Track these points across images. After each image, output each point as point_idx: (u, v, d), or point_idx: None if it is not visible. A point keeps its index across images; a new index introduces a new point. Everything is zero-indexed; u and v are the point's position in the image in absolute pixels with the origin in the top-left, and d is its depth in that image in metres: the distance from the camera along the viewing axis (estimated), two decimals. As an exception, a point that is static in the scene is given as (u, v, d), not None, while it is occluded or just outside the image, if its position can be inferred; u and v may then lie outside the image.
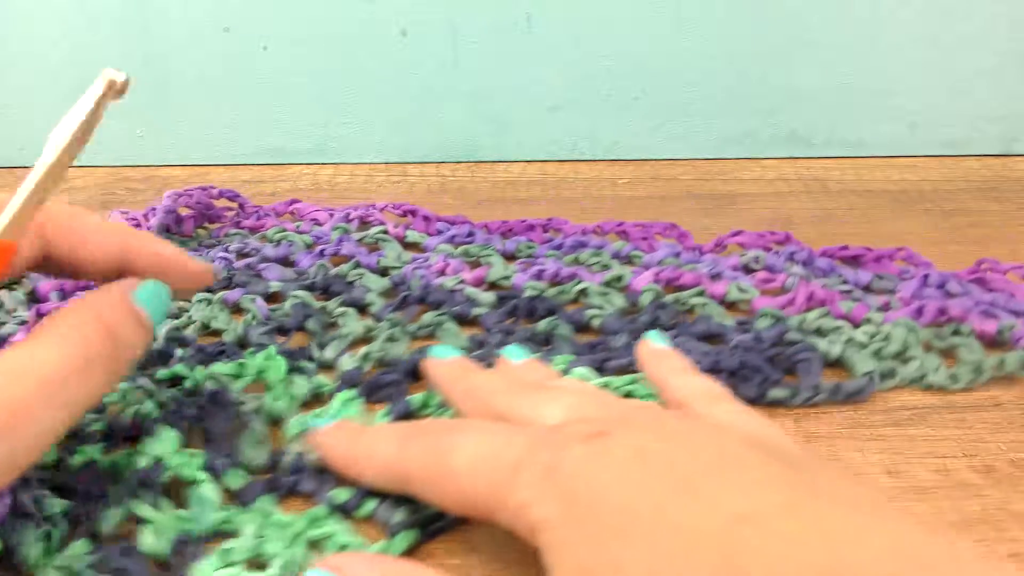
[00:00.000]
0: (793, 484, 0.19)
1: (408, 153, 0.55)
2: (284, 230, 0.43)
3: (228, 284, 0.38)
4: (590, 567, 0.19)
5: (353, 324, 0.35)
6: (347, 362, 0.32)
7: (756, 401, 0.31)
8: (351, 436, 0.26)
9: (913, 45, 0.54)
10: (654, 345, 0.29)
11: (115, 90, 0.22)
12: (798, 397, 0.31)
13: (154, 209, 0.42)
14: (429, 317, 0.35)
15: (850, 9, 0.53)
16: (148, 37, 0.52)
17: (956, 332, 0.34)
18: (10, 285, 0.27)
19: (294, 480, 0.26)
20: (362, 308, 0.36)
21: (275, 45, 0.52)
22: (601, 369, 0.32)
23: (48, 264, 0.25)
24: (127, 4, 0.51)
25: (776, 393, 0.31)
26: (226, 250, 0.41)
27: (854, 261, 0.41)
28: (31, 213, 0.23)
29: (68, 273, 0.26)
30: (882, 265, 0.41)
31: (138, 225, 0.41)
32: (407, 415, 0.29)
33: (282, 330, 0.34)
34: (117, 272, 0.25)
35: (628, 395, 0.30)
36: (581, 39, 0.53)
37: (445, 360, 0.29)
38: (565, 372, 0.31)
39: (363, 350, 0.33)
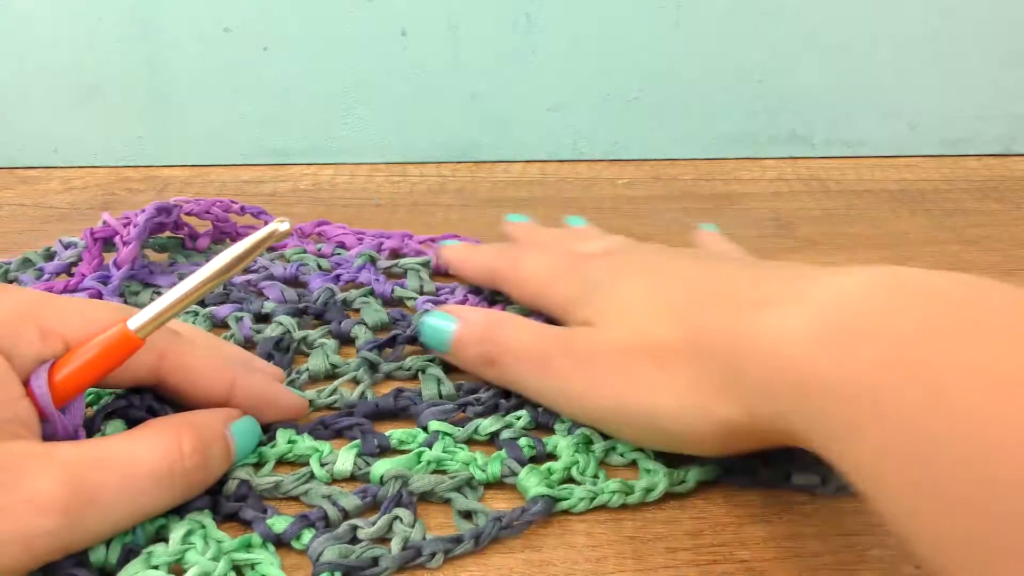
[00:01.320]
0: (699, 262, 0.30)
1: (408, 153, 0.55)
2: (304, 251, 0.41)
3: (225, 299, 0.36)
4: (590, 316, 0.29)
5: (319, 360, 0.32)
6: None
7: (776, 486, 0.28)
8: (464, 249, 0.38)
9: (913, 45, 0.54)
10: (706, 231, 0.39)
11: (276, 237, 0.25)
12: (827, 487, 0.27)
13: (128, 218, 0.40)
14: (414, 360, 0.32)
15: (850, 9, 0.53)
16: (148, 37, 0.52)
17: None
18: (103, 397, 0.28)
19: (236, 507, 0.26)
20: (347, 340, 0.34)
21: (275, 45, 0.52)
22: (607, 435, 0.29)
23: (160, 389, 0.27)
24: (128, 4, 0.51)
25: (799, 480, 0.27)
26: None
27: None
28: (166, 319, 0.25)
29: (176, 399, 0.27)
30: None
31: (116, 234, 0.38)
32: (381, 452, 0.28)
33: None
34: (222, 404, 0.27)
35: (633, 461, 0.28)
36: (581, 39, 0.53)
37: (518, 223, 0.40)
38: (568, 432, 0.29)
39: (321, 389, 0.31)
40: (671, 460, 0.28)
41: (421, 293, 0.37)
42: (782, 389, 0.22)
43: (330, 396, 0.31)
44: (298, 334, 0.34)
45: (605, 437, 0.29)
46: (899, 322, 0.19)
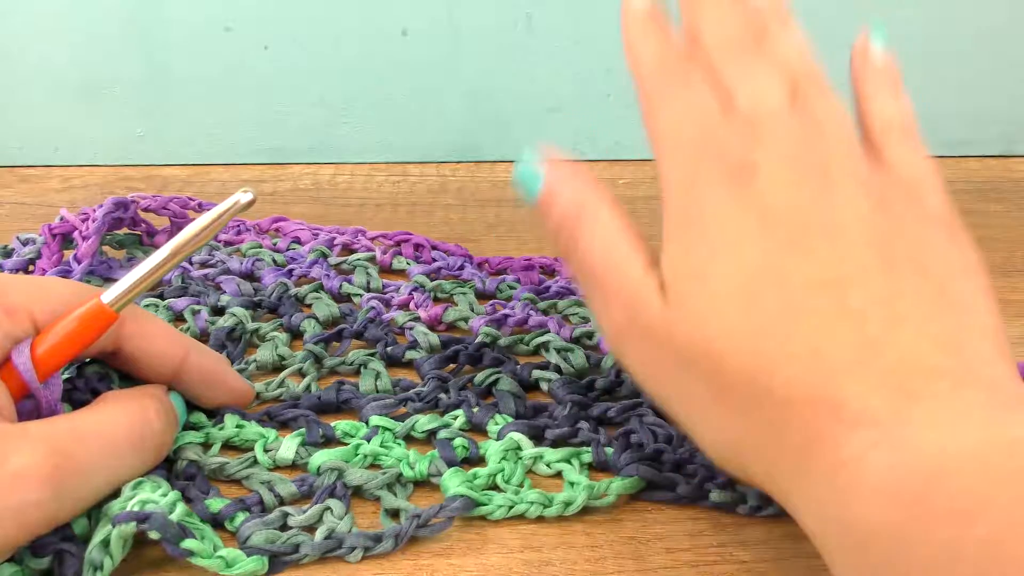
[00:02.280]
0: (896, 280, 0.21)
1: (408, 153, 0.55)
2: (260, 246, 0.41)
3: (183, 292, 0.37)
4: (680, 264, 0.23)
5: (267, 352, 0.33)
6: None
7: (695, 501, 0.27)
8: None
9: (913, 45, 0.54)
10: (874, 51, 0.30)
11: (240, 206, 0.26)
12: (745, 506, 0.27)
13: (86, 213, 0.40)
14: (356, 354, 0.33)
15: (850, 9, 0.53)
16: (149, 37, 0.52)
17: None
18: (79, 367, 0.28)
19: (184, 485, 0.27)
20: (298, 334, 0.35)
21: (275, 45, 0.52)
22: (540, 438, 0.29)
23: (114, 357, 0.28)
24: (128, 4, 0.51)
25: (716, 496, 0.27)
26: (189, 260, 0.39)
27: None
28: (138, 292, 0.25)
29: (127, 368, 0.28)
30: None
31: (74, 230, 0.39)
32: (325, 442, 0.29)
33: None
34: (172, 377, 0.28)
35: (559, 472, 0.28)
36: (581, 39, 0.53)
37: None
38: (498, 437, 0.29)
39: (269, 381, 0.32)
40: (594, 478, 0.28)
41: (368, 290, 0.38)
42: (844, 531, 0.19)
43: (277, 388, 0.32)
44: (251, 326, 0.35)
45: (536, 443, 0.29)
46: (998, 510, 0.17)
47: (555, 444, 0.29)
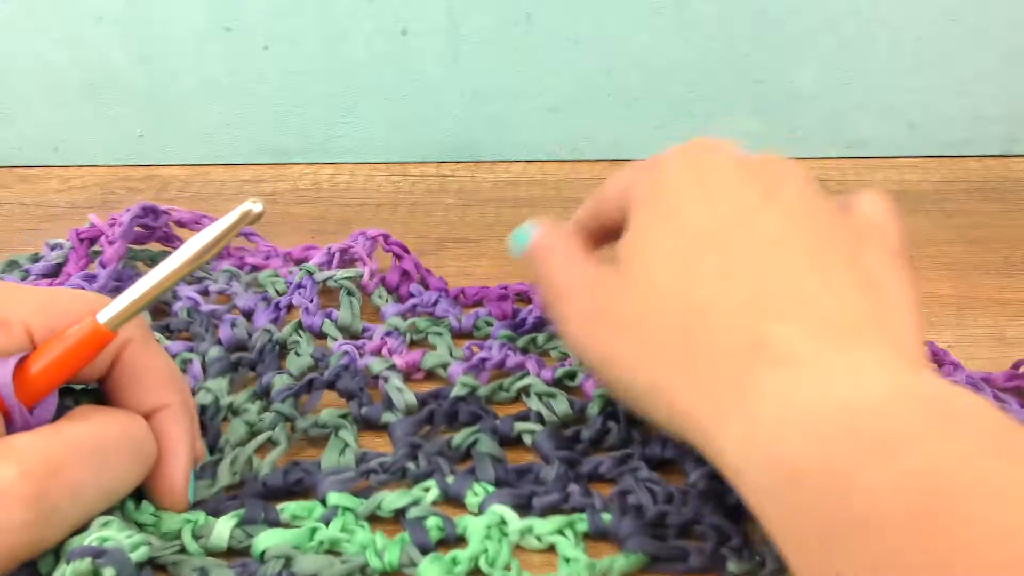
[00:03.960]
0: (828, 261, 0.25)
1: (408, 153, 0.55)
2: (277, 275, 0.39)
3: (187, 327, 0.35)
4: (637, 245, 0.27)
5: (239, 428, 0.29)
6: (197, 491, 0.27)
7: (709, 571, 0.25)
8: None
9: (913, 45, 0.54)
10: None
11: (249, 219, 0.24)
12: (765, 570, 0.25)
13: (113, 219, 0.39)
14: (327, 415, 0.30)
15: (850, 9, 0.53)
16: (148, 37, 0.52)
17: None
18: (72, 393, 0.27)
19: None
20: (270, 394, 0.32)
21: (275, 45, 0.52)
22: (527, 507, 0.26)
23: (104, 382, 0.26)
24: (127, 4, 0.51)
25: (733, 567, 0.24)
26: (204, 291, 0.38)
27: None
28: (136, 311, 0.24)
29: (110, 398, 0.26)
30: None
31: (101, 235, 0.38)
32: (268, 526, 0.25)
33: None
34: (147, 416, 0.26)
35: (552, 546, 0.25)
36: (581, 39, 0.53)
37: None
38: (479, 511, 0.26)
39: (220, 479, 0.27)
40: (592, 548, 0.25)
41: (348, 330, 0.36)
42: (771, 468, 0.20)
43: (234, 475, 0.28)
44: (225, 401, 0.31)
45: (522, 515, 0.25)
46: (922, 447, 0.18)
47: (544, 513, 0.26)
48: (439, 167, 0.54)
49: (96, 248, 0.39)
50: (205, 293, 0.38)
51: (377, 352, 0.34)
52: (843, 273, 0.24)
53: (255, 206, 0.23)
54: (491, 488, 0.27)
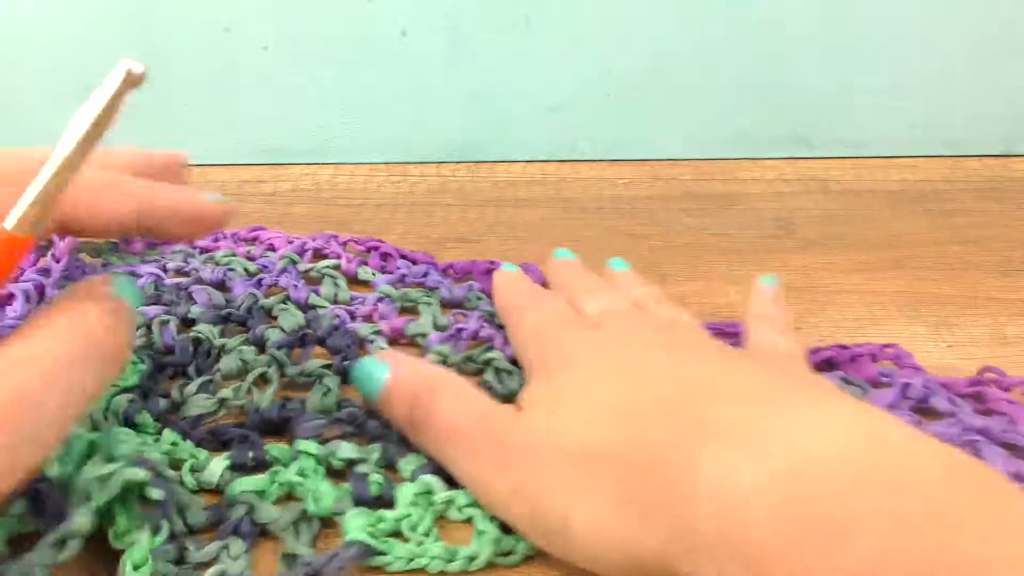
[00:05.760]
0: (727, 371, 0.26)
1: (408, 153, 0.55)
2: (234, 254, 0.40)
3: (156, 300, 0.36)
4: (542, 396, 0.27)
5: (231, 360, 0.32)
6: (196, 405, 0.30)
7: None
8: (507, 281, 0.37)
9: (913, 45, 0.54)
10: (763, 287, 0.35)
11: (131, 80, 0.22)
12: None
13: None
14: (312, 365, 0.32)
15: (850, 9, 0.53)
16: (148, 37, 0.52)
17: None
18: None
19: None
20: (263, 345, 0.34)
21: (275, 45, 0.52)
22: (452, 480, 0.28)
23: (63, 228, 0.26)
24: (127, 4, 0.51)
25: None
26: (163, 267, 0.39)
27: (827, 364, 0.34)
28: (48, 205, 0.22)
29: (81, 234, 0.26)
30: (859, 366, 0.33)
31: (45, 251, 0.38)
32: (255, 466, 0.28)
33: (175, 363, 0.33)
34: (134, 230, 0.26)
35: (470, 519, 0.27)
36: (581, 39, 0.53)
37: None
38: (412, 477, 0.28)
39: (220, 393, 0.31)
40: (506, 525, 0.26)
41: (335, 301, 0.37)
42: (722, 545, 0.20)
43: (242, 400, 0.31)
44: (218, 341, 0.33)
45: (452, 486, 0.27)
46: (875, 521, 0.18)
47: None
48: (439, 167, 0.54)
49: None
50: (164, 269, 0.39)
51: (368, 317, 0.36)
52: (743, 371, 0.25)
53: (135, 65, 0.22)
54: (424, 459, 0.28)
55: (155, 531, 0.23)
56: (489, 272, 0.39)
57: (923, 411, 0.31)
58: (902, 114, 0.55)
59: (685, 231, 0.46)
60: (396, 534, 0.26)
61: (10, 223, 0.22)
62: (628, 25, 0.53)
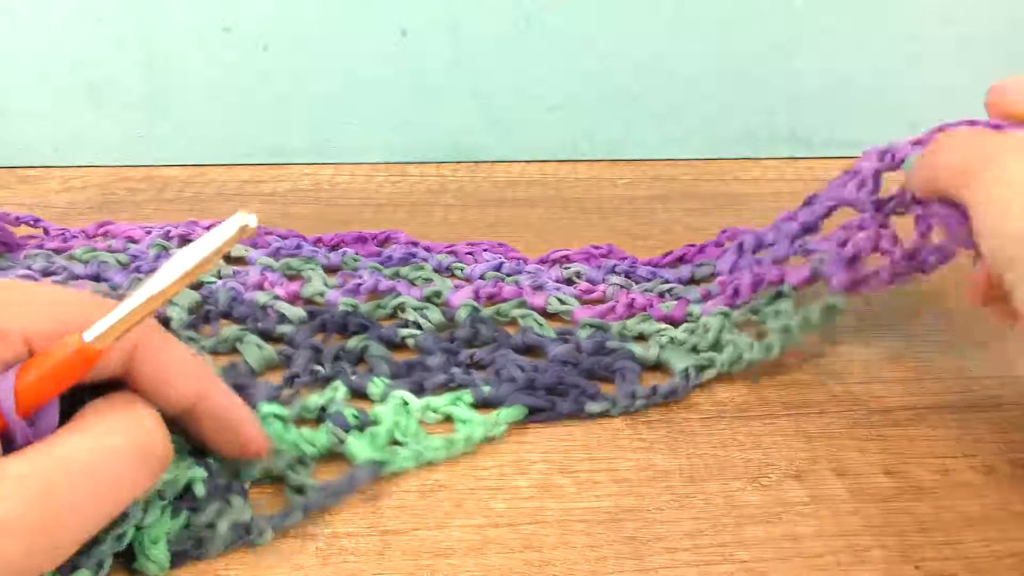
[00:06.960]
0: None
1: (408, 153, 0.55)
2: (94, 250, 0.41)
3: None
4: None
5: None
6: None
7: (576, 415, 0.31)
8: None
9: (913, 45, 0.54)
10: None
11: (244, 234, 0.22)
12: (616, 407, 0.31)
13: None
14: (230, 331, 0.34)
15: (850, 8, 0.53)
16: (148, 37, 0.52)
17: (779, 295, 0.35)
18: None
19: None
20: (166, 323, 0.35)
21: (275, 45, 0.52)
22: (420, 391, 0.31)
23: (127, 379, 0.25)
24: (127, 4, 0.51)
25: (593, 407, 0.31)
26: (29, 268, 0.39)
27: (680, 262, 0.41)
28: (128, 328, 0.23)
29: (140, 394, 0.26)
30: (707, 255, 0.40)
31: None
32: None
33: None
34: (181, 417, 0.26)
35: (449, 416, 0.30)
36: (581, 39, 0.53)
37: None
38: (383, 398, 0.31)
39: None
40: (479, 409, 0.30)
41: (219, 277, 0.39)
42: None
43: None
44: None
45: (419, 396, 0.31)
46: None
47: (436, 392, 0.31)
48: (439, 167, 0.54)
49: None
50: (31, 270, 0.39)
51: (259, 286, 0.38)
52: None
53: (250, 219, 0.22)
54: (388, 380, 0.32)
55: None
56: (360, 240, 0.43)
57: None
58: (902, 114, 0.55)
59: (685, 231, 0.46)
60: (393, 444, 0.29)
61: (90, 336, 0.22)
62: (628, 25, 0.53)
